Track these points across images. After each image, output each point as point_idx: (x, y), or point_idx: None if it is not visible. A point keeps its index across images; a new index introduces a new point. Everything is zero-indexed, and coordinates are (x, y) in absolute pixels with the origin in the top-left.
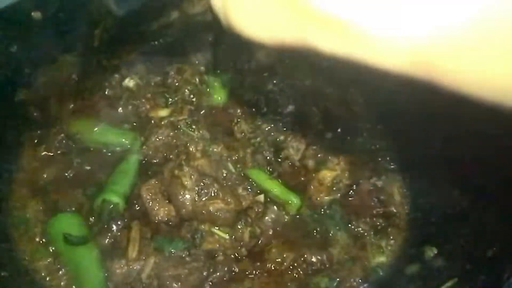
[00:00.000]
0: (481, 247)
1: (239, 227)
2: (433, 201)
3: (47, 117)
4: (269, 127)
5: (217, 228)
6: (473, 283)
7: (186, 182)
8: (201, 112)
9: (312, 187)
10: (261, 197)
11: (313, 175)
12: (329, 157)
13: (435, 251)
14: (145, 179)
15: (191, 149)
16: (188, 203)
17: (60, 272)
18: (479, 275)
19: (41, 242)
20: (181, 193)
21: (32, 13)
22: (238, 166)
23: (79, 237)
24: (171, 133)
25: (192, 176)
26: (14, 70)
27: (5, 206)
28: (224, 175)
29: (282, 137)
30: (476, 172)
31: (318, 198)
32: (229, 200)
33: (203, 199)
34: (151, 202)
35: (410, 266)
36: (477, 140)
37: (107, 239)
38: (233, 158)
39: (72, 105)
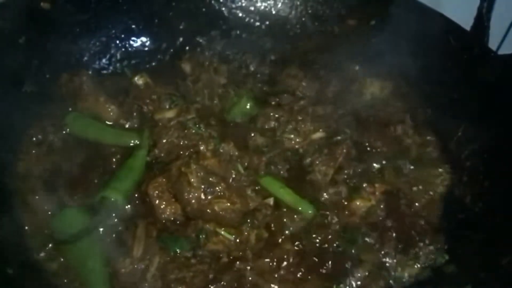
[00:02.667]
0: (495, 255)
1: (245, 228)
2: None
3: (53, 111)
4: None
5: (223, 228)
6: None
7: (192, 180)
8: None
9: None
10: (271, 200)
11: (344, 203)
12: (363, 185)
13: (447, 257)
14: (152, 176)
15: (201, 148)
16: (193, 201)
17: (66, 269)
18: (493, 284)
19: (47, 238)
20: (187, 190)
21: (41, 4)
22: (249, 170)
23: (78, 233)
24: (181, 134)
25: (199, 174)
26: (22, 61)
27: (11, 201)
28: (234, 176)
29: (308, 160)
30: None
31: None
32: (235, 200)
33: (209, 197)
34: (157, 200)
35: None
36: None
37: (113, 237)
38: (245, 163)
39: (78, 100)
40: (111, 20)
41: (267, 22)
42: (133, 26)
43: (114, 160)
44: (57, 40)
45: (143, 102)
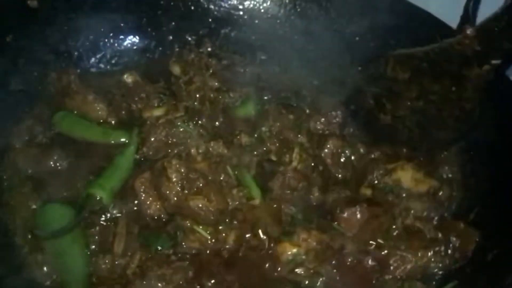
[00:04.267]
0: (481, 251)
1: (222, 228)
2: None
3: (41, 110)
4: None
5: (200, 226)
6: (473, 286)
7: (171, 174)
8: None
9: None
10: (257, 201)
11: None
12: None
13: None
14: (140, 173)
15: (192, 150)
16: (171, 196)
17: (48, 265)
18: (479, 279)
19: (33, 234)
20: (165, 185)
21: (29, 2)
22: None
23: (61, 229)
24: (170, 132)
25: (180, 170)
26: (9, 60)
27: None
28: (222, 176)
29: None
30: None
31: None
32: (212, 198)
33: (185, 193)
34: (143, 196)
35: None
36: None
37: (94, 233)
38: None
39: (66, 99)
40: (99, 18)
41: (256, 21)
42: (122, 25)
43: (102, 158)
44: (45, 38)
45: (132, 100)
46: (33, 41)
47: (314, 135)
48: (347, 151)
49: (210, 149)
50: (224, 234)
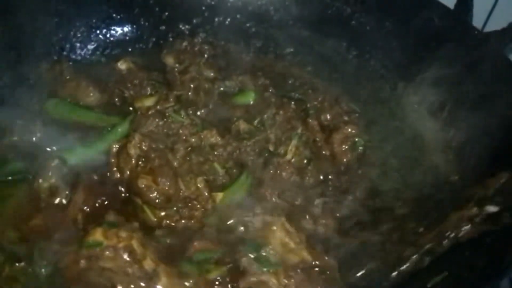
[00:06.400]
0: None
1: (164, 214)
2: None
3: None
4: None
5: (149, 207)
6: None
7: (130, 149)
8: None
9: None
10: (219, 196)
11: None
12: None
13: None
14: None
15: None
16: (126, 170)
17: None
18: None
19: None
20: (123, 157)
21: None
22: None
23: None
24: (161, 123)
25: (141, 146)
26: None
27: None
28: (189, 163)
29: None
30: None
31: None
32: (160, 180)
33: (139, 170)
34: (112, 161)
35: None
36: None
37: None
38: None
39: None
40: (90, 9)
41: (250, 8)
42: (114, 15)
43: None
44: (36, 31)
45: (125, 86)
46: (23, 34)
47: (323, 126)
48: (357, 139)
49: (202, 136)
50: (168, 221)
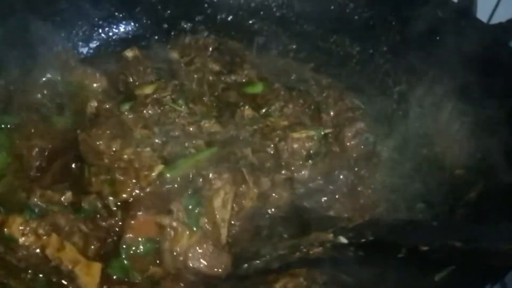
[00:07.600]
0: None
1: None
2: None
3: None
4: None
5: None
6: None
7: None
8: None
9: None
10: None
11: None
12: None
13: None
14: None
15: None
16: (112, 146)
17: None
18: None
19: None
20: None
21: None
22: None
23: None
24: (158, 111)
25: (138, 125)
26: (1, 53)
27: None
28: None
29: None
30: None
31: None
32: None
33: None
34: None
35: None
36: None
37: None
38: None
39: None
40: (92, 8)
41: (253, 4)
42: (116, 13)
43: None
44: (37, 30)
45: (129, 72)
46: (25, 33)
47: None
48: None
49: (201, 124)
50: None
